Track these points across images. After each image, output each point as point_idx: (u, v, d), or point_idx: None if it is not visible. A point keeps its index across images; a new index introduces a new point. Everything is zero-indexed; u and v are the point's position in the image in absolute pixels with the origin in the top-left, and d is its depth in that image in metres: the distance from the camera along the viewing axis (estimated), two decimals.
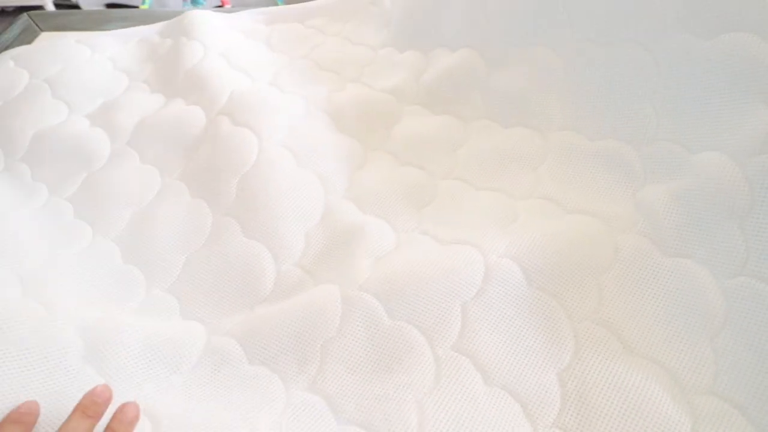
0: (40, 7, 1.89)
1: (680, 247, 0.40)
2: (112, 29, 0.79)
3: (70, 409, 0.33)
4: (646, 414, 0.34)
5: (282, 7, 0.77)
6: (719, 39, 0.40)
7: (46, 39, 0.80)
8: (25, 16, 0.85)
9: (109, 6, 2.08)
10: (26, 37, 0.80)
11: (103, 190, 0.54)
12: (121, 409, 0.35)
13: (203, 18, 0.72)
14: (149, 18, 0.82)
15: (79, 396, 0.33)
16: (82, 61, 0.69)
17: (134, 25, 0.79)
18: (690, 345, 0.37)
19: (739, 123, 0.38)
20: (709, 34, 0.40)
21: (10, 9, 2.11)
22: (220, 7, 1.91)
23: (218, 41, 0.69)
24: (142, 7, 1.96)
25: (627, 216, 0.44)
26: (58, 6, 2.03)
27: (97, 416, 0.34)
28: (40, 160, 0.57)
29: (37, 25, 0.83)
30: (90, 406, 0.34)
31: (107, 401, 0.35)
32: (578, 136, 0.50)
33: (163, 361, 0.39)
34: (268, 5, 0.82)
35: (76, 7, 2.02)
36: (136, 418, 0.35)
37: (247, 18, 0.76)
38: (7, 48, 0.76)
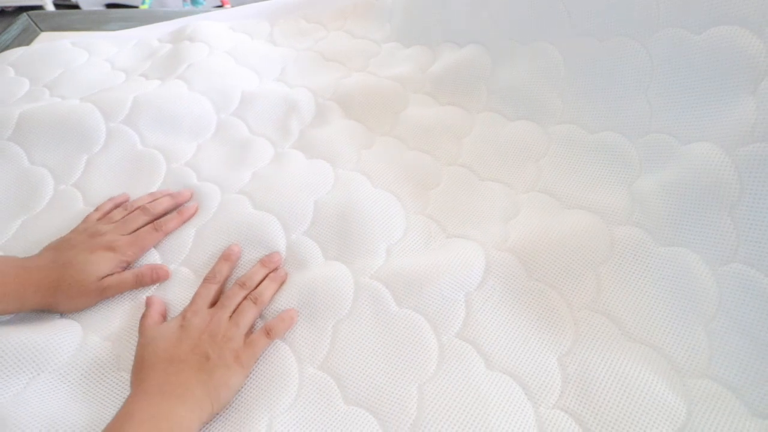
0: (39, 7, 1.89)
1: (674, 236, 0.41)
2: (112, 29, 0.79)
3: None
4: (644, 395, 0.35)
5: (283, 0, 0.77)
6: (708, 32, 0.41)
7: (45, 39, 0.79)
8: (24, 16, 0.85)
9: (109, 6, 2.08)
10: (26, 37, 0.80)
11: (107, 176, 0.52)
12: (285, 312, 0.41)
13: (205, 24, 0.72)
14: (149, 18, 0.83)
15: None
16: (80, 64, 0.69)
17: (134, 25, 0.79)
18: (685, 330, 0.38)
19: (727, 113, 0.39)
20: (699, 28, 0.41)
21: (10, 9, 2.11)
22: (220, 7, 1.92)
23: (223, 41, 0.69)
24: (142, 7, 1.97)
25: (623, 207, 0.45)
26: (57, 6, 2.03)
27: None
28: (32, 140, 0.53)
29: (36, 25, 0.83)
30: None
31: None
32: (578, 129, 0.51)
33: None
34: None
35: (76, 7, 2.02)
36: (293, 320, 0.41)
37: (249, 15, 0.76)
38: (7, 48, 0.76)
